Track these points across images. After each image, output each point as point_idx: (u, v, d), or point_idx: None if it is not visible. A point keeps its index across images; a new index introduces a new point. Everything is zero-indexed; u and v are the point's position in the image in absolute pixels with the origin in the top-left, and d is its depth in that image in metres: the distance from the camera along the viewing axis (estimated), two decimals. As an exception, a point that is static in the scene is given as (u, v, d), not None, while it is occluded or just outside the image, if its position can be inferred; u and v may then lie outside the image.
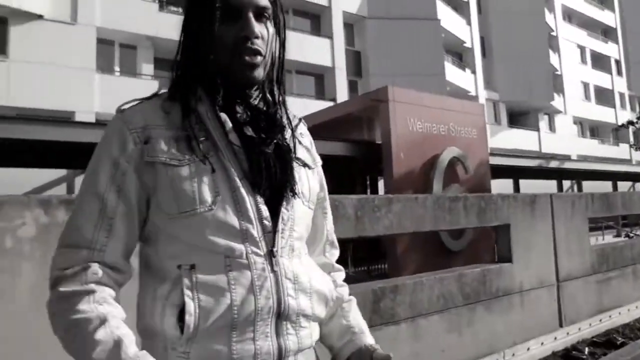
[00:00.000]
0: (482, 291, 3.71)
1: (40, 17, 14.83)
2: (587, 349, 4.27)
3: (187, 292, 0.93)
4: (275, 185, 1.02)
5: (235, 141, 1.01)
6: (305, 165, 1.13)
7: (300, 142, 1.15)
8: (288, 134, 1.11)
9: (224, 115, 1.02)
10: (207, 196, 0.96)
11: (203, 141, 0.99)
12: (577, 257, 4.76)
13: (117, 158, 0.98)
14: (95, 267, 0.94)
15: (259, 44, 1.02)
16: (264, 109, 1.08)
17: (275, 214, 1.02)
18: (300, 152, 1.13)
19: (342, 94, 21.45)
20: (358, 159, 12.91)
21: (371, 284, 3.13)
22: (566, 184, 25.20)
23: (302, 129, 1.20)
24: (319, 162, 1.23)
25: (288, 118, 1.13)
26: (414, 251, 9.86)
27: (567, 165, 21.80)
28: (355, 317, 1.23)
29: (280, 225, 1.02)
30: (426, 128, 12.15)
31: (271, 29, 1.07)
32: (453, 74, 25.31)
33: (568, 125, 33.05)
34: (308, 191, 1.12)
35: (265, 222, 1.00)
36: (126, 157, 0.98)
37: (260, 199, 1.00)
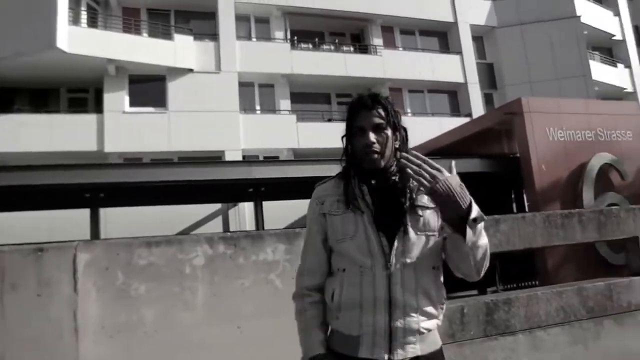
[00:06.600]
0: (608, 305, 3.60)
1: (190, 70, 16.86)
2: None
3: (338, 283, 1.69)
4: (392, 225, 1.66)
5: (369, 200, 1.69)
6: (427, 207, 1.69)
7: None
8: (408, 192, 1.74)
9: (363, 186, 1.72)
10: (350, 231, 1.68)
11: (352, 201, 1.70)
12: None
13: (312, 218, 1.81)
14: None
15: (376, 147, 1.69)
16: (394, 179, 1.73)
17: (391, 243, 1.64)
18: (420, 199, 1.70)
19: (478, 108, 20.83)
20: (497, 175, 12.51)
21: (483, 297, 3.29)
22: None
23: None
24: None
25: (410, 182, 1.70)
26: (566, 266, 9.29)
27: None
28: None
29: (393, 250, 1.63)
30: (568, 136, 11.49)
31: (388, 133, 1.72)
32: (601, 72, 23.19)
33: None
34: (425, 224, 1.68)
35: (385, 247, 1.64)
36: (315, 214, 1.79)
37: (382, 234, 1.65)
